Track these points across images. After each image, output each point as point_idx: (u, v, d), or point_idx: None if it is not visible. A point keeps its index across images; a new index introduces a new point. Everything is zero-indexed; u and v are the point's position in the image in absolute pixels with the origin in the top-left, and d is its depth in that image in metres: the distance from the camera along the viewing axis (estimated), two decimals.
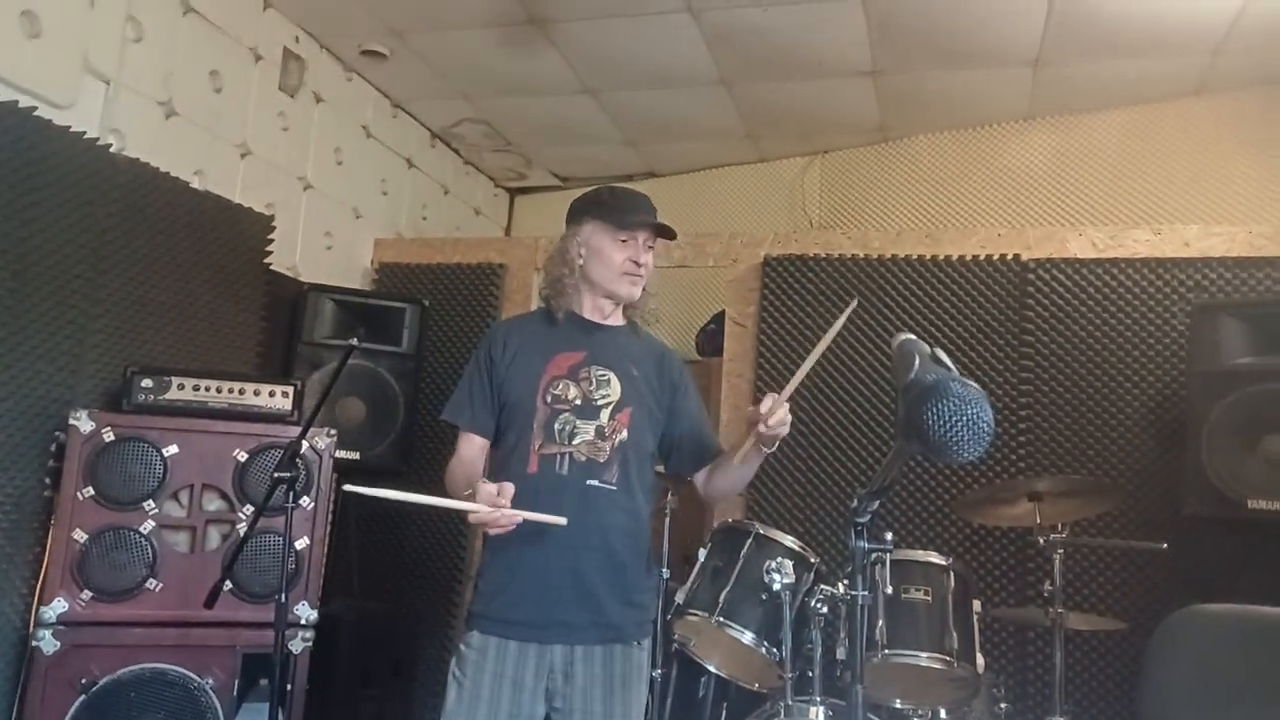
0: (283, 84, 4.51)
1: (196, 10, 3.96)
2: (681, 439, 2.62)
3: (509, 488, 2.26)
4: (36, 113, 3.20)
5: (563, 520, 2.30)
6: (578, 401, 2.49)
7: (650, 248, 2.59)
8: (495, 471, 2.53)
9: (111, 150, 3.51)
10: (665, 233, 2.59)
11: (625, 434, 2.49)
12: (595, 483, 2.45)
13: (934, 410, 1.45)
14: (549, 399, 2.49)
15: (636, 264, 2.56)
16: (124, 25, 3.64)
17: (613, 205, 2.60)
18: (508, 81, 5.13)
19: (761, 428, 2.27)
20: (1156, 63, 4.55)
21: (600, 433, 2.48)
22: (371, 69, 5.04)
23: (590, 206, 2.62)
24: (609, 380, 2.52)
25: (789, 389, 2.25)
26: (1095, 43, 4.37)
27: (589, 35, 4.57)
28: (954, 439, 1.45)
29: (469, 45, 4.74)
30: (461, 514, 2.33)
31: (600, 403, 2.50)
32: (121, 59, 3.63)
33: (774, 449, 2.39)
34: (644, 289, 2.63)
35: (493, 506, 2.22)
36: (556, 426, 2.47)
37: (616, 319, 2.65)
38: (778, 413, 2.26)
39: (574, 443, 2.46)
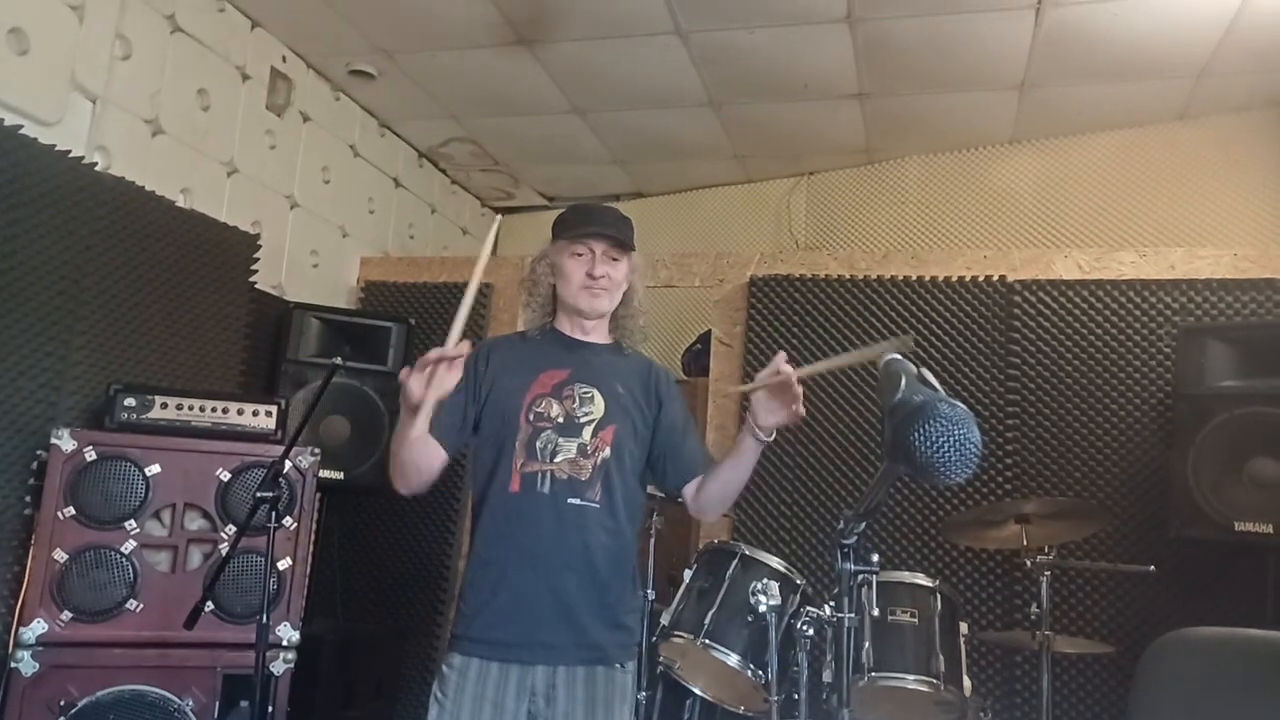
0: (270, 103, 4.51)
1: (184, 29, 3.96)
2: (667, 454, 2.58)
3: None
4: (22, 130, 3.20)
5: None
6: (560, 419, 2.47)
7: (614, 260, 2.54)
8: (479, 490, 2.51)
9: (97, 168, 3.51)
10: (620, 243, 2.54)
11: (608, 451, 2.47)
12: (577, 501, 2.42)
13: (921, 431, 1.44)
14: (532, 417, 2.47)
15: (592, 276, 2.52)
16: (112, 43, 3.64)
17: (569, 221, 2.58)
18: (496, 101, 5.14)
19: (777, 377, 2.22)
20: (1142, 86, 4.58)
21: (583, 450, 2.45)
22: (359, 89, 5.04)
23: (554, 227, 2.62)
24: (593, 398, 2.50)
25: (806, 370, 2.23)
26: (1081, 66, 4.40)
27: (578, 56, 4.59)
28: (941, 460, 1.43)
29: (458, 65, 4.74)
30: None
31: (583, 420, 2.48)
32: (109, 77, 3.63)
33: (772, 438, 2.35)
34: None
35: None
36: (538, 444, 2.44)
37: (600, 336, 2.62)
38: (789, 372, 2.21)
39: (555, 460, 2.44)
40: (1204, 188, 4.81)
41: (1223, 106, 4.71)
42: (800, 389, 2.24)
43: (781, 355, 2.27)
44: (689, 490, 2.57)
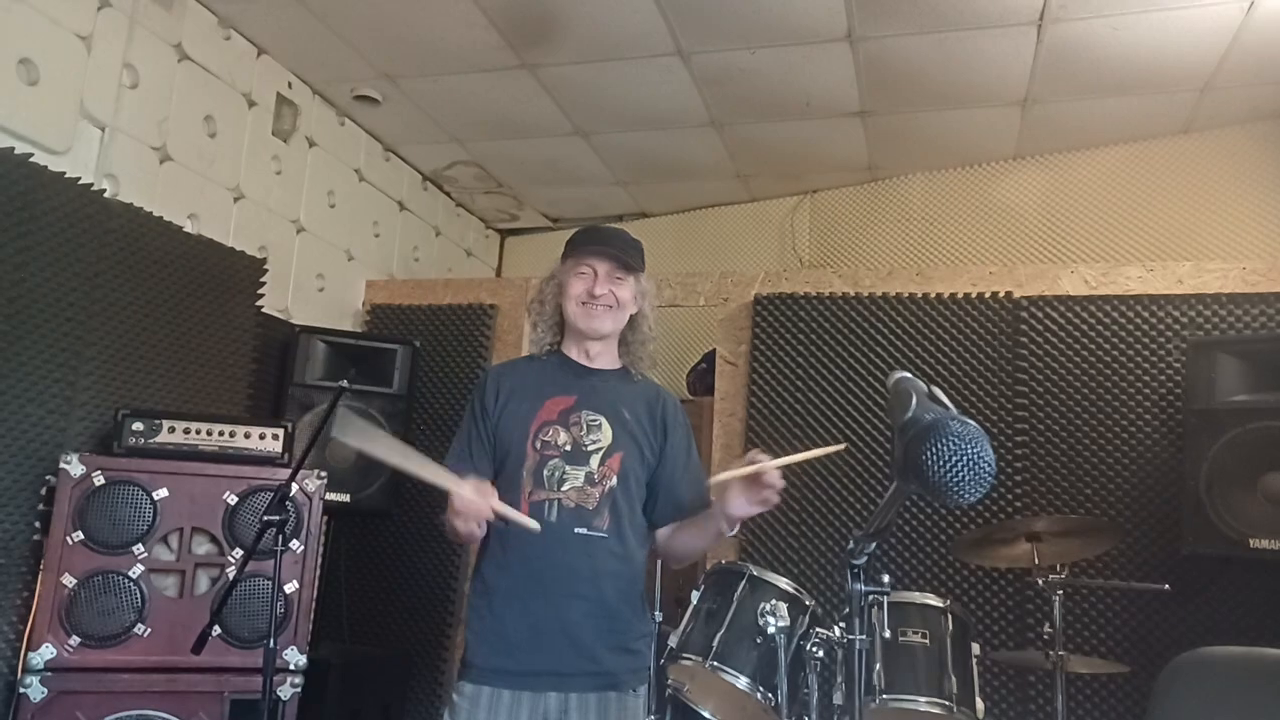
0: (276, 129, 4.53)
1: (191, 58, 3.99)
2: (659, 488, 2.54)
3: (489, 487, 2.23)
4: (32, 158, 3.22)
5: (535, 526, 2.27)
6: (567, 447, 2.44)
7: (618, 279, 2.52)
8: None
9: (106, 195, 3.53)
10: (625, 264, 2.52)
11: (615, 480, 2.44)
12: (584, 530, 2.39)
13: (933, 450, 1.43)
14: (539, 445, 2.43)
15: (592, 295, 2.49)
16: (120, 72, 3.66)
17: (576, 241, 2.58)
18: (499, 124, 5.15)
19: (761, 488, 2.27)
20: (1145, 101, 4.58)
21: (590, 479, 2.42)
22: (364, 114, 5.06)
23: (565, 248, 2.61)
24: (600, 425, 2.47)
25: (779, 462, 2.26)
26: (1084, 81, 4.40)
27: (580, 78, 4.60)
28: (954, 480, 1.42)
29: (461, 89, 4.76)
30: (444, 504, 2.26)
31: (591, 448, 2.45)
32: (117, 105, 3.65)
33: (734, 532, 2.42)
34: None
35: (477, 493, 2.18)
36: (545, 473, 2.41)
37: (606, 362, 2.59)
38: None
39: (563, 489, 2.40)
40: (1210, 201, 4.79)
41: (1228, 119, 4.71)
42: (781, 484, 2.29)
43: (755, 451, 2.32)
44: (664, 533, 2.57)
